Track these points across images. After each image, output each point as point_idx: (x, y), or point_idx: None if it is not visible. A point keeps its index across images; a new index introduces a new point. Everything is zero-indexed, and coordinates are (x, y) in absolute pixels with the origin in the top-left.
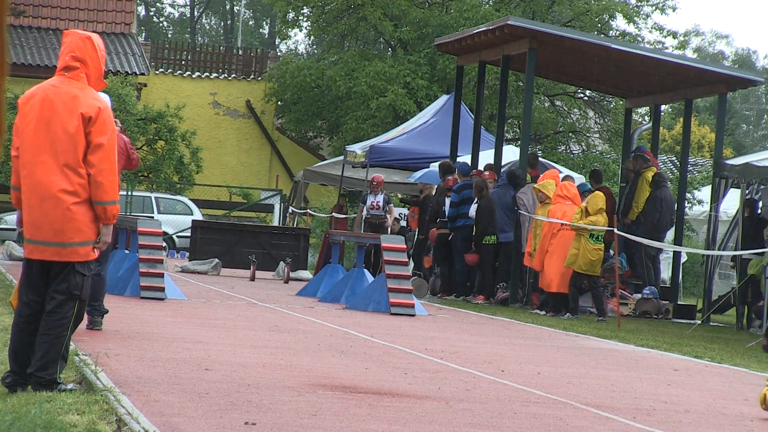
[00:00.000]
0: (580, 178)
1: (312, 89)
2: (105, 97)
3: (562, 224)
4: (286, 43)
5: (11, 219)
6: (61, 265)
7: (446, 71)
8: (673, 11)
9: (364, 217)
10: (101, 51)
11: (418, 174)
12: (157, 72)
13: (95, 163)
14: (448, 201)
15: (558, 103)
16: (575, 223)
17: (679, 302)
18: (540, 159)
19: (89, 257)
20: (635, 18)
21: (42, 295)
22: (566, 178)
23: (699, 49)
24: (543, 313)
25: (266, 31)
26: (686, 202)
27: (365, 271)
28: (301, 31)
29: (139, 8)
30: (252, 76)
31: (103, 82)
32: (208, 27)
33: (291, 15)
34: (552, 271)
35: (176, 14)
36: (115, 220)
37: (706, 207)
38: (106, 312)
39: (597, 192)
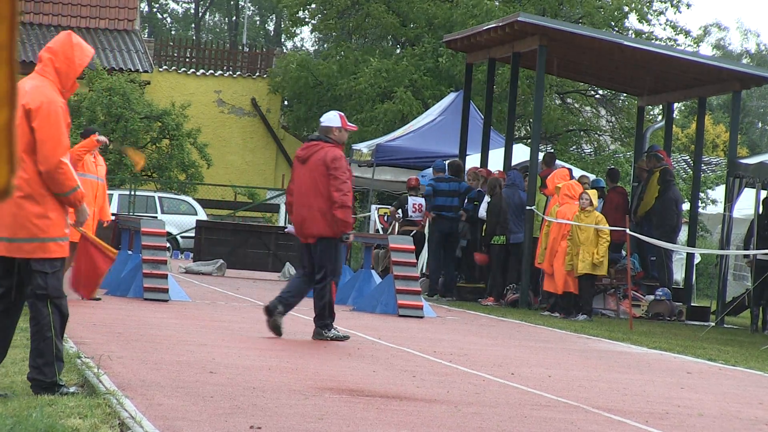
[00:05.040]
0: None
1: (313, 87)
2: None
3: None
4: (292, 40)
5: None
6: (28, 265)
7: (449, 67)
8: (687, 8)
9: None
10: (78, 50)
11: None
12: (160, 69)
13: (42, 160)
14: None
15: (569, 101)
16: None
17: (692, 304)
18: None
19: (35, 254)
20: (648, 15)
21: (5, 289)
22: (581, 178)
23: (718, 46)
24: (548, 313)
25: (272, 27)
26: (699, 201)
27: (372, 272)
28: (304, 26)
29: (142, 5)
30: (257, 74)
31: (75, 83)
32: (212, 24)
33: (300, 14)
34: (560, 274)
35: (180, 11)
36: (81, 203)
37: (720, 207)
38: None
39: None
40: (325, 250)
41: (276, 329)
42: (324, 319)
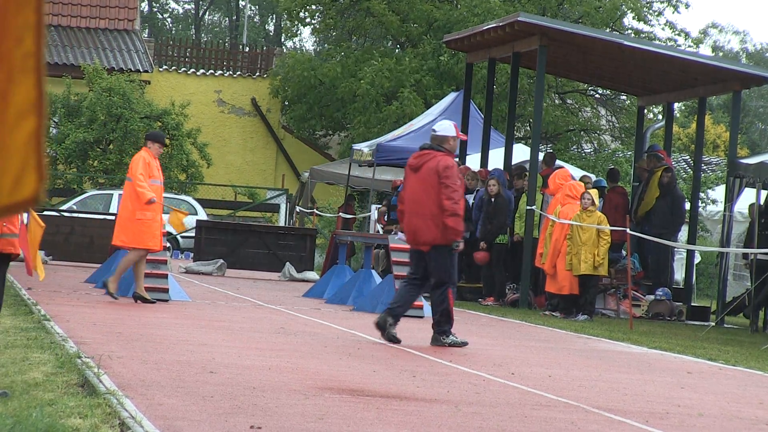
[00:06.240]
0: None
1: (315, 87)
2: None
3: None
4: (293, 40)
5: None
6: None
7: (450, 66)
8: (686, 8)
9: None
10: None
11: None
12: (160, 69)
13: None
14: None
15: (569, 101)
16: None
17: (692, 304)
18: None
19: None
20: (647, 15)
21: None
22: (583, 177)
23: (717, 47)
24: (548, 313)
25: (272, 27)
26: (700, 201)
27: (372, 272)
28: (304, 27)
29: (142, 5)
30: (257, 74)
31: None
32: (212, 24)
33: (300, 13)
34: (564, 274)
35: (180, 11)
36: None
37: (720, 207)
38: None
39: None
40: (439, 258)
41: (393, 340)
42: (442, 326)
